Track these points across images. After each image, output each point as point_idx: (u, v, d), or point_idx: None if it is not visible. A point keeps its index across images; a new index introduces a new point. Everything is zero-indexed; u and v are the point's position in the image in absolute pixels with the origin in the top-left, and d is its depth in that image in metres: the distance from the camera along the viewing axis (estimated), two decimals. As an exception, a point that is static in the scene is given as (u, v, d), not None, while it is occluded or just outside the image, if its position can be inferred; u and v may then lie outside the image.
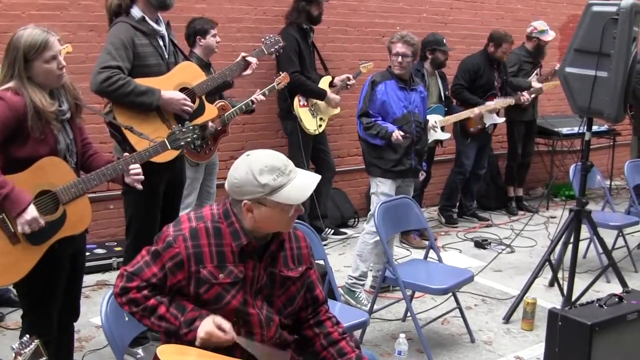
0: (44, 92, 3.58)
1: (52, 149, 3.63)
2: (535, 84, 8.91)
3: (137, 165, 3.93)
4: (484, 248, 7.97)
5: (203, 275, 2.95)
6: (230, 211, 3.01)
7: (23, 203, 3.45)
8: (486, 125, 8.58)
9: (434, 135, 7.79)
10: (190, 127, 4.18)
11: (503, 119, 8.78)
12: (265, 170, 2.86)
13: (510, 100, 8.53)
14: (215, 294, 2.98)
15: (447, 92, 8.14)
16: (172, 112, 4.71)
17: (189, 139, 4.16)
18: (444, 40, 7.84)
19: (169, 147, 4.12)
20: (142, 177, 3.94)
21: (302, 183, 2.93)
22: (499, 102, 8.46)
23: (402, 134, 5.91)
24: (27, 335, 2.84)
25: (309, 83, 7.61)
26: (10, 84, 3.54)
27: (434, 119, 7.66)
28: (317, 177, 2.98)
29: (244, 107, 6.48)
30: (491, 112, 8.49)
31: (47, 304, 3.83)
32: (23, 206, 3.45)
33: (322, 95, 7.63)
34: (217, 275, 2.96)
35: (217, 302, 2.98)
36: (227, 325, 2.96)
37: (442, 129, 7.99)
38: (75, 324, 4.25)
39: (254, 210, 2.92)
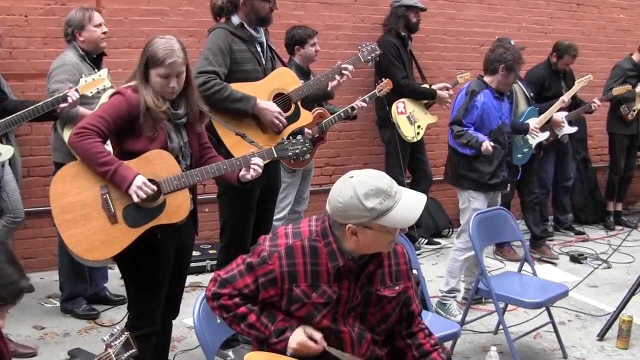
0: (158, 94, 3.78)
1: (162, 146, 3.81)
2: None
3: (261, 160, 4.02)
4: (580, 263, 7.79)
5: (296, 293, 2.94)
6: (328, 230, 2.96)
7: (131, 175, 3.66)
8: (559, 136, 8.22)
9: (537, 138, 7.61)
10: (301, 140, 4.20)
11: (575, 128, 8.34)
12: (371, 194, 2.78)
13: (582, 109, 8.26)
14: (307, 313, 2.97)
15: (531, 94, 7.92)
16: (263, 122, 4.77)
17: (297, 151, 4.18)
18: (512, 42, 7.63)
19: (276, 156, 4.17)
20: (260, 171, 4.01)
21: (408, 205, 2.82)
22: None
23: (492, 144, 5.81)
24: (117, 328, 2.91)
25: (418, 86, 7.68)
26: (133, 83, 3.80)
27: (533, 123, 7.49)
28: (423, 198, 2.89)
29: (342, 114, 6.45)
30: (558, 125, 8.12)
31: (152, 295, 3.98)
32: (131, 178, 3.65)
33: (433, 95, 7.63)
34: (310, 294, 2.94)
35: (308, 321, 2.98)
36: (318, 335, 2.96)
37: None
38: (168, 322, 4.37)
39: (358, 233, 2.85)
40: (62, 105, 4.72)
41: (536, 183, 8.16)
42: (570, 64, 8.36)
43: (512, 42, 7.60)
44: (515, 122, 7.24)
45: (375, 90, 6.79)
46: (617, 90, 8.48)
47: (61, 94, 4.72)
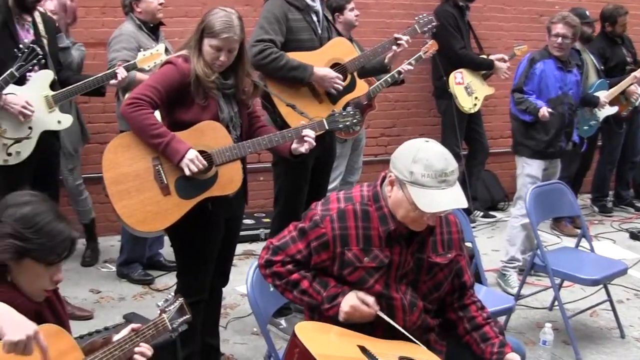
0: (208, 64, 3.76)
1: (213, 116, 3.81)
2: None
3: (312, 132, 4.00)
4: (640, 240, 7.64)
5: (348, 257, 2.94)
6: (380, 194, 2.97)
7: (183, 148, 3.66)
8: (636, 104, 7.95)
9: (604, 111, 7.50)
10: (351, 112, 4.20)
11: None
12: (423, 162, 2.76)
13: None
14: (359, 277, 2.97)
15: (601, 67, 7.77)
16: (322, 89, 4.75)
17: (348, 123, 4.17)
18: (587, 13, 7.51)
19: (327, 127, 4.15)
20: (313, 143, 3.99)
21: (440, 199, 2.76)
22: None
23: (550, 110, 5.79)
24: (172, 294, 2.94)
25: (476, 56, 7.62)
26: (184, 52, 3.80)
27: (602, 96, 7.37)
28: (459, 204, 2.81)
29: (389, 79, 6.37)
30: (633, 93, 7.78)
31: (201, 265, 3.99)
32: (183, 151, 3.66)
33: (490, 66, 7.57)
34: (362, 258, 2.95)
35: (360, 285, 2.97)
36: (370, 299, 2.95)
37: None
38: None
39: (394, 186, 2.88)
40: (111, 82, 4.77)
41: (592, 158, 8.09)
42: (625, 23, 8.06)
43: (588, 12, 7.46)
44: (587, 94, 7.15)
45: (421, 53, 6.72)
46: None
47: (110, 71, 4.77)
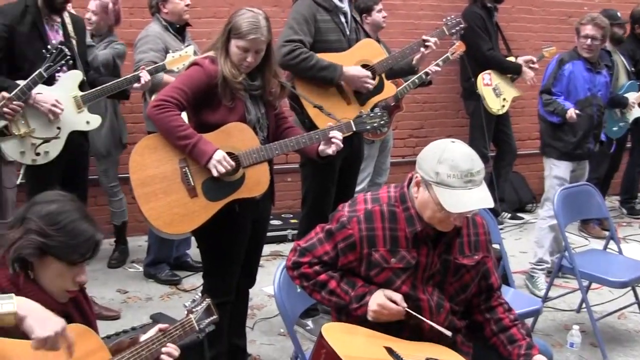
0: (235, 65, 3.76)
1: (240, 118, 3.80)
2: None
3: (340, 133, 3.98)
4: (669, 242, 7.55)
5: (374, 258, 2.94)
6: (406, 195, 2.97)
7: (210, 150, 3.66)
8: None
9: (634, 113, 7.47)
10: (379, 113, 4.18)
11: None
12: (448, 163, 2.76)
13: None
14: (386, 278, 2.96)
15: (632, 68, 7.71)
16: (352, 88, 4.74)
17: (375, 124, 4.16)
18: (619, 14, 7.45)
19: (354, 129, 4.14)
20: (341, 145, 3.98)
21: (466, 199, 2.75)
22: None
23: (578, 112, 5.78)
24: (199, 294, 2.94)
25: (504, 59, 7.59)
26: (211, 53, 3.79)
27: (632, 97, 7.35)
28: (486, 204, 2.79)
29: (417, 80, 6.34)
30: None
31: (227, 266, 3.99)
32: (210, 152, 3.65)
33: (518, 70, 7.51)
34: (388, 259, 2.94)
35: (387, 286, 2.97)
36: (398, 296, 2.94)
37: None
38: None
39: (420, 187, 2.87)
40: (135, 85, 4.77)
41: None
42: None
43: (619, 13, 7.41)
44: (616, 95, 7.12)
45: (448, 54, 6.68)
46: None
47: (134, 74, 4.77)
